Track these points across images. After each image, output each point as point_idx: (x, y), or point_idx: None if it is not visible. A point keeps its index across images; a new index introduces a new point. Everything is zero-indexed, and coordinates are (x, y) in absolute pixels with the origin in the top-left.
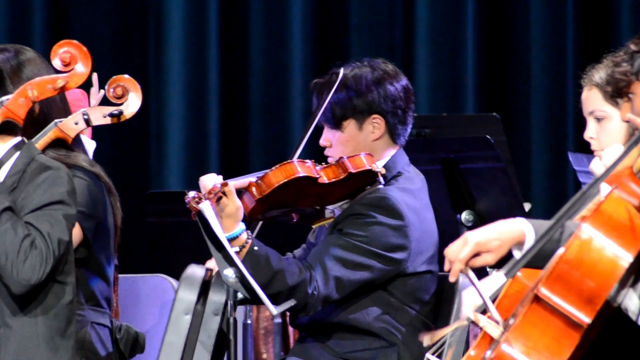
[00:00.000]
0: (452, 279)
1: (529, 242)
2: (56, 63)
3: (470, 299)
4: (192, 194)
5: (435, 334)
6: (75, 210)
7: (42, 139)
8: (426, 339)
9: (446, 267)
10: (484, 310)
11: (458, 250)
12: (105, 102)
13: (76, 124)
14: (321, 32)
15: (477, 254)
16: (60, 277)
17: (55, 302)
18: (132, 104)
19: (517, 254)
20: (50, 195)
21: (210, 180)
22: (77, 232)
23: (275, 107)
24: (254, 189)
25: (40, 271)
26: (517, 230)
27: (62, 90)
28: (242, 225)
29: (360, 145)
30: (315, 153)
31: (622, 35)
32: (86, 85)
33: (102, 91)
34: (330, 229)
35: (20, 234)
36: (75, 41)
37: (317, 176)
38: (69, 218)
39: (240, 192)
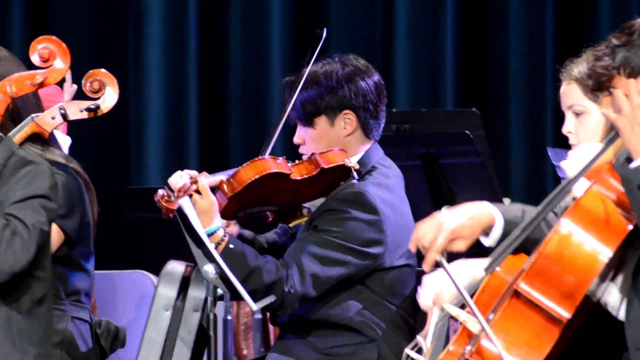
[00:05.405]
0: (427, 268)
1: (498, 228)
2: (35, 59)
3: (435, 286)
4: (161, 192)
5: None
6: (56, 205)
7: (19, 134)
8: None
9: (412, 248)
10: (463, 305)
11: (432, 238)
12: (82, 96)
13: (53, 118)
14: (300, 28)
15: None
16: (37, 271)
17: (29, 298)
18: (109, 98)
19: (483, 240)
20: (31, 190)
21: (179, 179)
22: (56, 234)
23: (255, 103)
24: (225, 187)
25: (23, 259)
26: (487, 216)
27: (41, 86)
28: (218, 222)
29: (333, 141)
30: (290, 151)
31: (601, 29)
32: (59, 81)
33: (75, 86)
34: (306, 226)
35: None
36: (54, 37)
37: (289, 172)
38: (50, 212)
39: (212, 191)
